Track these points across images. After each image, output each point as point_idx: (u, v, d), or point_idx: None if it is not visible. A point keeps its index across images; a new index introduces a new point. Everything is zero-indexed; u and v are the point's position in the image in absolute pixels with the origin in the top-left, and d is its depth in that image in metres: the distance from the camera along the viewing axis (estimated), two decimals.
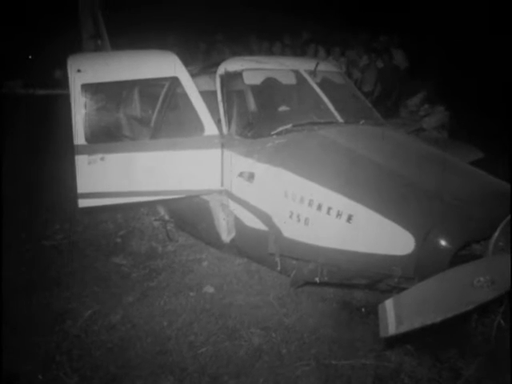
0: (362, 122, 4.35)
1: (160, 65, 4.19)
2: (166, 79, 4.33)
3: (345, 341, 3.50)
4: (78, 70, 3.85)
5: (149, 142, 4.36)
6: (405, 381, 3.11)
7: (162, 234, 5.30)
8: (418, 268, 2.92)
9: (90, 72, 3.90)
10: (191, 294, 4.17)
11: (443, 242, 2.85)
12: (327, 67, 5.04)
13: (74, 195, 3.90)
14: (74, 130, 3.82)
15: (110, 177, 3.98)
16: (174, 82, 4.17)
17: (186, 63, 4.26)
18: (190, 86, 4.06)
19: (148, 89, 5.02)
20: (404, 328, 2.42)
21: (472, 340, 3.41)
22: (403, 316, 2.45)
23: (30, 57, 13.87)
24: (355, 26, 10.00)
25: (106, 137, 4.17)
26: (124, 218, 5.70)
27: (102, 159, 3.89)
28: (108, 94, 4.36)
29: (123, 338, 3.56)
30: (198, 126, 4.08)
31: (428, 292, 2.61)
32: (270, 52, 8.93)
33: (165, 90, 4.63)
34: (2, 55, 10.28)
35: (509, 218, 2.87)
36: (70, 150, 3.85)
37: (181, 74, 4.07)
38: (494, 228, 2.88)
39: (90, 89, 3.92)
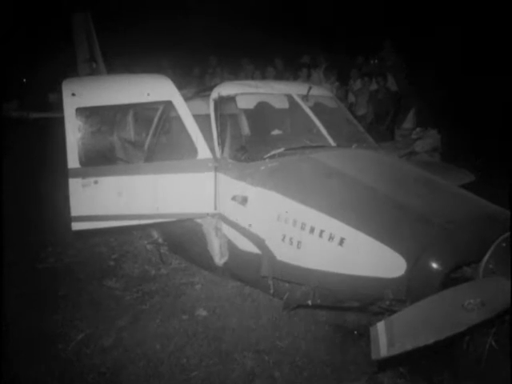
0: (354, 145, 4.39)
1: (154, 89, 4.23)
2: (160, 103, 4.38)
3: (337, 363, 3.48)
4: (73, 94, 3.88)
5: (142, 166, 4.39)
6: None
7: (156, 257, 5.29)
8: (409, 290, 2.92)
9: (84, 96, 3.93)
10: (184, 317, 4.15)
11: (434, 265, 2.86)
12: (320, 91, 5.09)
13: (67, 218, 3.90)
14: (67, 154, 3.84)
15: (103, 200, 3.99)
16: (168, 105, 4.22)
17: (180, 87, 4.30)
18: (183, 110, 4.10)
19: (142, 112, 5.06)
20: (396, 350, 2.42)
21: (464, 362, 3.40)
22: (395, 338, 2.45)
23: (24, 80, 13.94)
24: (348, 50, 10.12)
25: (99, 160, 4.19)
26: (117, 241, 5.70)
27: (96, 182, 3.90)
28: (102, 117, 4.40)
29: (115, 362, 3.53)
30: (192, 150, 4.11)
31: (419, 314, 2.62)
32: (263, 76, 9.01)
33: (159, 113, 4.69)
34: None
35: (498, 241, 2.90)
36: (64, 173, 3.86)
37: (174, 98, 4.11)
38: (485, 251, 2.91)
39: (84, 112, 3.95)
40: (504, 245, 2.92)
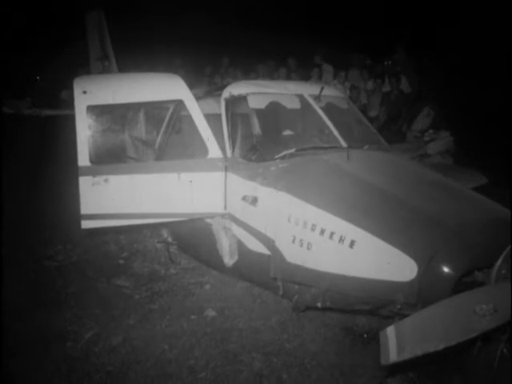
0: (366, 147, 4.35)
1: (165, 87, 4.22)
2: (171, 102, 4.37)
3: (346, 367, 3.46)
4: (84, 92, 3.88)
5: (153, 164, 4.38)
6: None
7: (165, 256, 5.29)
8: (420, 294, 2.88)
9: (95, 94, 3.94)
10: (192, 317, 4.15)
11: (446, 269, 2.82)
12: (332, 92, 5.05)
13: (77, 216, 3.89)
14: (78, 151, 3.83)
15: (113, 198, 3.98)
16: (179, 104, 4.21)
17: (192, 86, 4.29)
18: (194, 109, 4.09)
19: (153, 111, 5.05)
20: (405, 355, 2.39)
21: (474, 368, 3.35)
22: (405, 343, 2.42)
23: (37, 77, 14.01)
24: (361, 51, 10.07)
25: (110, 158, 4.18)
26: (127, 240, 5.69)
27: (106, 181, 3.90)
28: (113, 115, 4.39)
29: (123, 361, 3.53)
30: (202, 149, 4.10)
31: (430, 319, 2.58)
32: (275, 76, 8.99)
33: (170, 112, 4.67)
34: (9, 75, 10.38)
35: (511, 246, 2.85)
36: (74, 171, 3.86)
37: (186, 97, 4.10)
38: (497, 256, 2.86)
39: (95, 110, 3.95)
40: None
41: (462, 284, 2.86)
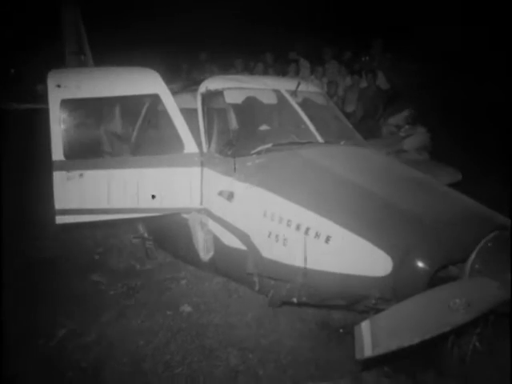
0: (342, 142, 4.36)
1: (141, 82, 4.18)
2: (147, 96, 4.33)
3: (322, 362, 3.47)
4: (58, 86, 3.83)
5: (129, 159, 4.34)
6: None
7: (141, 251, 5.26)
8: (395, 289, 2.90)
9: (70, 87, 3.89)
10: (168, 312, 4.13)
11: (420, 264, 2.84)
12: (308, 87, 5.05)
13: (51, 211, 3.85)
14: (52, 146, 3.79)
15: (88, 193, 3.95)
16: (155, 99, 4.17)
17: (168, 81, 4.26)
18: (170, 104, 4.06)
19: (129, 105, 5.00)
20: (380, 350, 2.40)
21: (448, 361, 3.39)
22: (379, 338, 2.43)
23: (12, 71, 13.79)
24: (338, 46, 10.09)
25: (85, 153, 4.13)
26: (103, 236, 5.65)
27: (81, 175, 3.87)
28: (88, 109, 4.34)
29: (98, 358, 3.50)
30: (178, 144, 4.07)
31: (405, 313, 2.60)
32: (252, 71, 8.96)
33: (146, 106, 4.64)
34: None
35: (485, 241, 2.88)
36: (49, 166, 3.81)
37: (161, 91, 4.07)
38: (471, 250, 2.89)
39: (69, 104, 3.90)
40: (490, 245, 2.90)
41: (436, 279, 2.89)
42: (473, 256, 2.90)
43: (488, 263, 2.86)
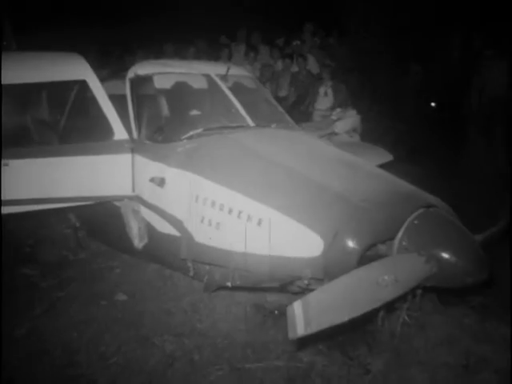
0: (273, 125, 4.38)
1: (67, 67, 4.07)
2: (73, 82, 4.21)
3: (258, 344, 3.50)
4: None
5: (57, 148, 4.21)
6: (316, 380, 3.15)
7: (74, 241, 5.14)
8: (327, 269, 2.94)
9: None
10: (102, 302, 4.07)
11: (350, 243, 2.88)
12: (239, 71, 5.05)
13: None
14: None
15: (15, 184, 3.80)
16: (83, 85, 4.06)
17: (98, 67, 4.17)
18: (98, 90, 3.97)
19: (56, 92, 4.86)
20: (312, 329, 2.43)
21: (379, 336, 3.51)
22: (311, 317, 2.46)
23: None
24: (271, 31, 10.12)
25: (10, 142, 3.98)
26: (33, 227, 5.48)
27: (7, 165, 3.72)
28: (12, 96, 4.17)
29: (29, 353, 3.41)
30: (108, 131, 3.99)
31: (335, 292, 2.64)
32: (184, 57, 8.87)
33: (74, 93, 4.51)
34: None
35: (411, 218, 2.97)
36: None
37: (89, 77, 3.97)
38: (398, 228, 2.97)
39: None
40: (416, 222, 2.99)
41: (366, 257, 2.95)
42: (400, 234, 2.98)
43: (415, 240, 2.95)
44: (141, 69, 4.36)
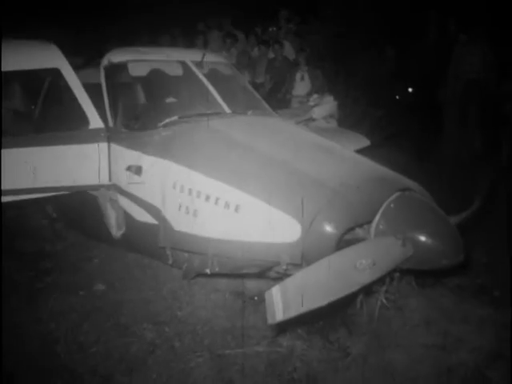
0: (249, 112, 4.37)
1: (39, 55, 4.00)
2: (46, 71, 4.15)
3: (238, 330, 3.51)
4: None
5: (32, 138, 4.15)
6: (296, 364, 3.17)
7: (50, 233, 5.09)
8: (305, 254, 2.95)
9: None
10: (81, 292, 4.05)
11: (328, 228, 2.90)
12: (215, 58, 5.02)
13: None
14: None
15: None
16: (55, 73, 4.00)
17: (72, 55, 4.11)
18: (71, 78, 3.91)
19: (30, 81, 4.80)
20: (291, 313, 2.45)
21: (358, 320, 3.54)
22: (290, 302, 2.47)
23: None
24: (249, 19, 10.09)
25: None
26: (9, 218, 5.41)
27: None
28: None
29: (7, 345, 3.35)
30: (83, 120, 3.94)
31: (313, 276, 2.65)
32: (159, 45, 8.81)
33: (47, 82, 4.46)
34: None
35: (388, 202, 2.99)
36: None
37: (62, 66, 3.91)
38: (375, 212, 2.99)
39: None
40: (393, 206, 3.01)
41: (343, 241, 2.97)
42: (377, 217, 3.00)
43: (391, 223, 2.97)
44: (115, 56, 4.31)
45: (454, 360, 3.19)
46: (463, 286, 4.09)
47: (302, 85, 8.00)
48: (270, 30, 9.43)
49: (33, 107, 4.75)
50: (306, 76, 7.96)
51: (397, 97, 8.80)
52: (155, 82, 4.46)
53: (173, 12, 10.36)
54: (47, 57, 3.96)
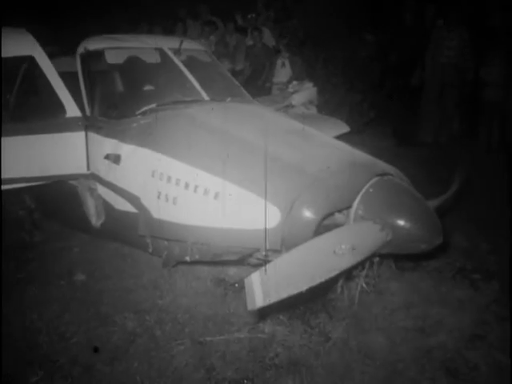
0: (228, 99, 4.35)
1: (13, 43, 3.93)
2: (20, 58, 4.09)
3: (219, 317, 3.53)
4: None
5: (7, 127, 4.10)
6: (278, 349, 3.18)
7: (29, 223, 5.04)
8: (284, 240, 2.95)
9: None
10: (62, 282, 4.03)
11: (307, 213, 2.90)
12: (192, 45, 4.99)
13: None
14: None
15: None
16: (30, 61, 3.94)
17: (48, 43, 4.05)
18: (47, 66, 3.87)
19: (4, 70, 4.72)
20: (271, 299, 2.45)
21: (339, 304, 3.57)
22: (270, 288, 2.47)
23: None
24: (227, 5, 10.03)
25: None
26: None
27: None
28: None
29: None
30: (59, 109, 3.91)
31: (293, 262, 2.65)
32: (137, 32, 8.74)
33: (22, 70, 4.38)
34: None
35: (367, 187, 3.00)
36: None
37: (36, 54, 3.86)
38: (354, 197, 3.00)
39: None
40: (372, 190, 3.02)
41: (323, 227, 2.98)
42: (356, 202, 3.01)
43: (370, 208, 2.98)
44: (91, 44, 4.27)
45: (434, 342, 3.23)
46: (442, 270, 4.12)
47: (282, 71, 7.99)
48: (249, 16, 9.39)
49: (8, 96, 4.67)
50: (287, 63, 7.95)
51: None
52: (132, 70, 4.42)
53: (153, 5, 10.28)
54: (21, 45, 3.90)
